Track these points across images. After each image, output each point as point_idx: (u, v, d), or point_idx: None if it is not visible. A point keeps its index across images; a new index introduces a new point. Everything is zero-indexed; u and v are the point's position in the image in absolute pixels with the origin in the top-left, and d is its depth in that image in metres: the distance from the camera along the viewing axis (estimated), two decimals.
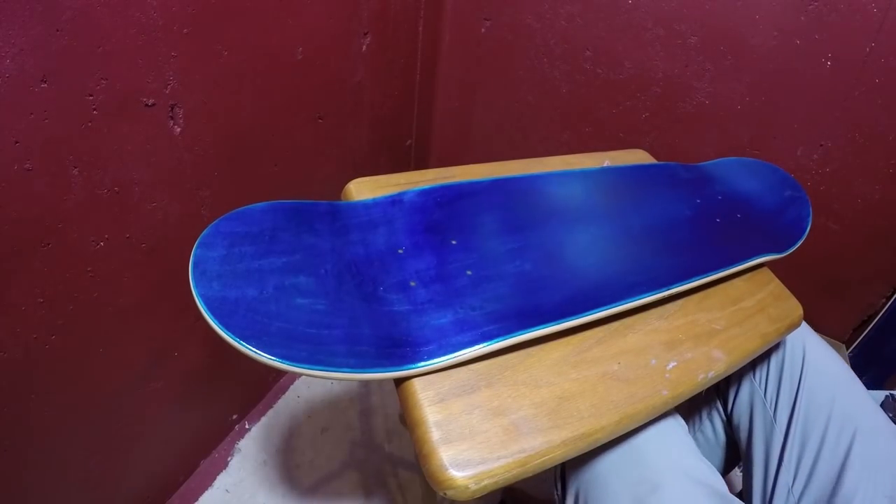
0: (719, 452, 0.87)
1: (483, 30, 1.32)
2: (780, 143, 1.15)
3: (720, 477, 0.62)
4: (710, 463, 0.63)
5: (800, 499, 0.66)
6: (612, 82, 1.24)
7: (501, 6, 1.27)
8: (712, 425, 0.87)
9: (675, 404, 0.60)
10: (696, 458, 0.62)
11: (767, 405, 0.74)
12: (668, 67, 1.16)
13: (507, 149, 1.49)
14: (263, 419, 1.31)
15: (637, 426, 0.58)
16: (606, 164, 0.86)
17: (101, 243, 0.74)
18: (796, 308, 0.73)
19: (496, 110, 1.44)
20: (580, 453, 0.54)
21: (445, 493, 0.47)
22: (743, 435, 0.77)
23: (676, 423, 0.66)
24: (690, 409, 0.91)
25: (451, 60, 1.41)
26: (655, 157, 0.94)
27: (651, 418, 0.59)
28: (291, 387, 1.40)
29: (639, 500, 0.57)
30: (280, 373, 1.38)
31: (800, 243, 0.80)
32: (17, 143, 0.58)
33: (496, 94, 1.41)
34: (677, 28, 1.11)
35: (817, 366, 0.72)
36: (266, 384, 1.36)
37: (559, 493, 0.68)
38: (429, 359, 0.51)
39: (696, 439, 0.90)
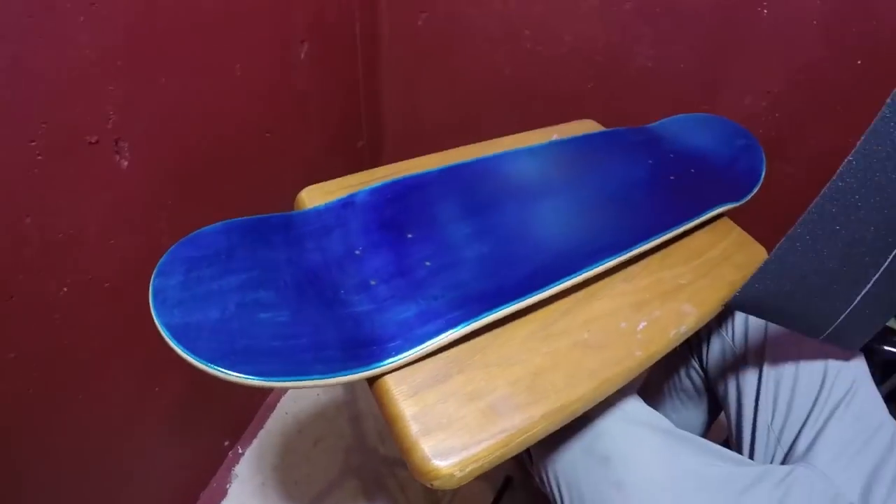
0: (702, 405, 0.89)
1: (420, 22, 1.32)
2: (728, 95, 1.16)
3: (664, 418, 0.66)
4: (653, 410, 0.67)
5: (780, 433, 0.68)
6: (553, 58, 1.24)
7: None
8: (691, 381, 0.88)
9: (651, 363, 0.61)
10: (637, 403, 0.67)
11: (738, 353, 0.76)
12: (606, 36, 1.17)
13: (460, 137, 1.46)
14: (255, 441, 1.31)
15: (616, 390, 0.59)
16: (555, 137, 0.87)
17: (65, 288, 0.72)
18: (760, 252, 0.75)
19: (443, 100, 1.44)
20: (562, 425, 0.54)
21: (432, 484, 0.47)
22: (720, 386, 0.79)
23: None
24: (668, 369, 0.93)
25: (392, 57, 1.40)
26: (609, 125, 0.95)
27: (628, 381, 0.59)
28: (278, 404, 1.39)
29: (587, 450, 0.62)
30: (265, 392, 1.37)
31: (756, 189, 0.81)
32: None
33: (441, 84, 1.40)
34: None
35: None
36: (253, 405, 1.35)
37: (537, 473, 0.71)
38: (396, 354, 0.51)
39: (678, 397, 0.92)
